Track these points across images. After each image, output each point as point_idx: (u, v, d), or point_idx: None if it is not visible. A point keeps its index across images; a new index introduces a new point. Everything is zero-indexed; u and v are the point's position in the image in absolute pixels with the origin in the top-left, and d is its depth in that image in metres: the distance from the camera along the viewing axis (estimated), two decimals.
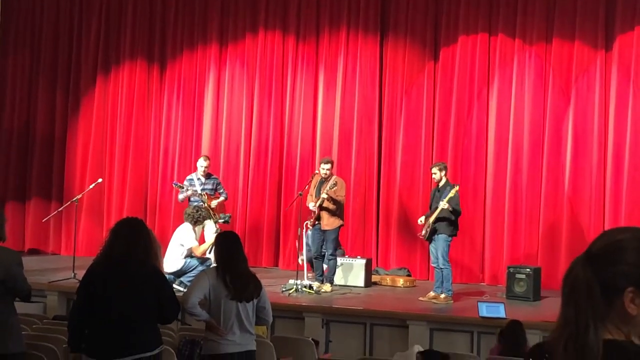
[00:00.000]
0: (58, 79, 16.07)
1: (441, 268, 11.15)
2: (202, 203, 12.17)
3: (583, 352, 1.92)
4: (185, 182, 12.60)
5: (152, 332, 5.58)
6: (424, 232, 11.23)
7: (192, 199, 12.40)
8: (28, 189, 16.16)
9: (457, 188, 11.15)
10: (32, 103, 16.23)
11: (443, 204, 10.91)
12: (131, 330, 5.48)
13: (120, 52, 15.74)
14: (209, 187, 12.52)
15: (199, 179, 12.52)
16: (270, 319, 6.48)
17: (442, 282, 11.17)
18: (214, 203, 12.32)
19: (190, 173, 14.25)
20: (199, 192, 12.31)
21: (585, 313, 1.96)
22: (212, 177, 12.79)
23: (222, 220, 11.71)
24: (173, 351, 7.03)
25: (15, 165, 16.23)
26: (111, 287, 5.48)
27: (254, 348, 6.22)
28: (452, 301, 11.15)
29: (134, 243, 5.54)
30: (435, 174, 11.32)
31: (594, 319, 1.95)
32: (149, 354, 5.50)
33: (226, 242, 6.29)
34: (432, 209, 11.27)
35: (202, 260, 11.33)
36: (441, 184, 11.30)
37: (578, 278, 2.01)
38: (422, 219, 11.31)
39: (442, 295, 11.12)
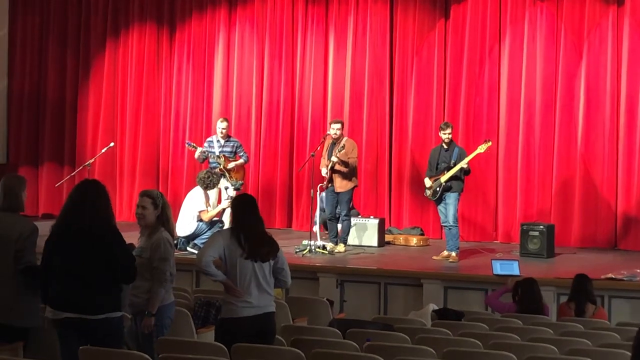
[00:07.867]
0: (68, 44, 16.03)
1: (451, 226, 11.18)
2: (218, 165, 12.18)
3: None
4: (205, 144, 12.57)
5: (100, 297, 5.67)
6: (430, 192, 11.22)
7: (211, 160, 12.39)
8: (40, 154, 16.19)
9: (489, 144, 11.34)
10: (42, 68, 16.20)
11: (464, 163, 10.94)
12: (79, 292, 5.63)
13: (129, 16, 15.67)
14: (228, 149, 12.46)
15: (218, 141, 12.49)
16: (289, 281, 6.39)
17: (450, 240, 11.20)
18: (230, 165, 12.31)
19: (201, 136, 14.28)
20: (217, 154, 12.30)
21: None
22: (232, 139, 12.72)
23: (233, 187, 11.65)
24: (188, 312, 7.06)
25: (27, 131, 16.25)
26: (63, 252, 5.67)
27: (273, 310, 6.19)
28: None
29: (80, 207, 5.69)
30: (450, 133, 11.29)
31: None
32: (90, 317, 5.62)
33: (241, 204, 6.31)
34: (438, 168, 11.25)
35: (211, 224, 11.34)
36: (450, 143, 11.30)
37: None
38: (428, 180, 11.29)
39: (453, 254, 11.15)
